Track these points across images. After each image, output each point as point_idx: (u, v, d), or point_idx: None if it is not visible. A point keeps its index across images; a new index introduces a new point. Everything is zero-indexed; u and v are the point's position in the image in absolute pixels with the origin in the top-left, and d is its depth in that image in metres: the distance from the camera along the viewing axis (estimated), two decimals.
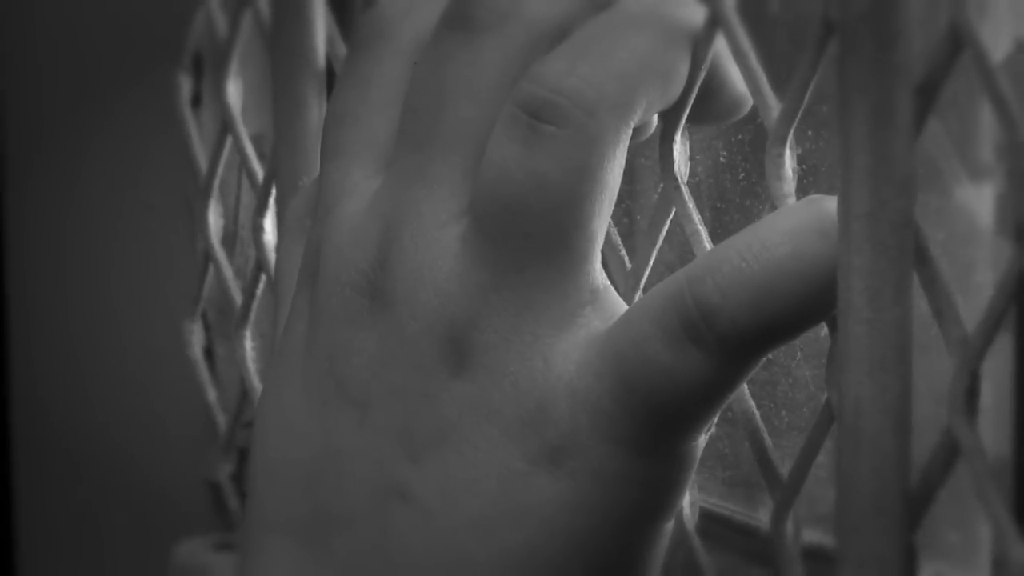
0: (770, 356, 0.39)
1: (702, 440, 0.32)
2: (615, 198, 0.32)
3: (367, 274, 0.33)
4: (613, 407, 0.31)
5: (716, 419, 0.32)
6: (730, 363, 0.30)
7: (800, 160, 0.36)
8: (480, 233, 0.32)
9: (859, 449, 0.29)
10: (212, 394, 0.50)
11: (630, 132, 0.32)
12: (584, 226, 0.32)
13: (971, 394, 0.28)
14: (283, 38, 0.42)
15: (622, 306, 0.32)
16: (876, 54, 0.28)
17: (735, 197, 0.38)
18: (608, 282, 0.32)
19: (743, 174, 0.37)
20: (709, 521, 0.42)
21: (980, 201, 0.35)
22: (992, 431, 0.34)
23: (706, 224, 0.39)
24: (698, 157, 0.39)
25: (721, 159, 0.38)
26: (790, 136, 0.31)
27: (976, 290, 0.34)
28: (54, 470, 0.66)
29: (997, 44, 0.34)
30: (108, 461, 0.64)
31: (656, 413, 0.31)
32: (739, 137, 0.37)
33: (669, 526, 0.32)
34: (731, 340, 0.30)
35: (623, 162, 0.32)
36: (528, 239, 0.32)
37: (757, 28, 0.40)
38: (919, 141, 0.29)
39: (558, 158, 0.31)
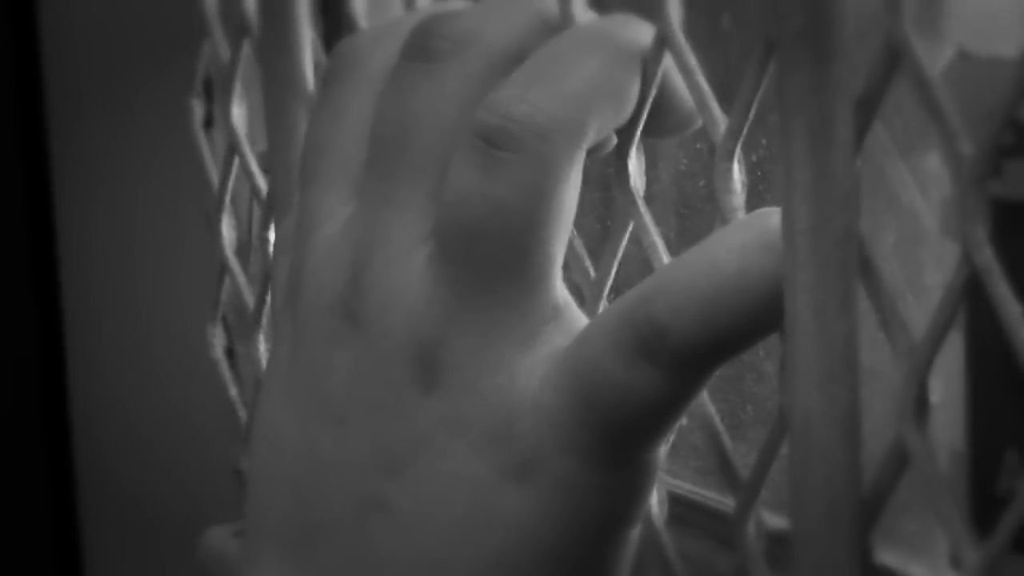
0: None
1: (663, 450, 0.28)
2: (572, 217, 0.29)
3: (342, 295, 0.30)
4: (573, 421, 0.28)
5: (677, 426, 0.29)
6: (683, 378, 0.27)
7: (755, 167, 0.33)
8: (444, 255, 0.29)
9: (810, 460, 0.25)
10: (233, 390, 0.47)
11: (583, 153, 0.29)
12: (542, 246, 0.28)
13: (920, 402, 0.25)
14: (273, 65, 0.39)
15: (583, 322, 0.29)
16: (813, 72, 0.25)
17: (697, 203, 0.34)
18: (570, 298, 0.29)
19: (703, 181, 0.34)
20: (684, 507, 0.39)
21: (926, 204, 0.31)
22: (946, 427, 0.31)
23: (672, 229, 0.35)
24: (661, 166, 0.35)
25: (682, 167, 0.35)
26: (737, 150, 0.28)
27: (925, 291, 0.31)
28: (109, 452, 0.64)
29: (938, 53, 0.30)
30: (155, 448, 0.61)
31: (614, 426, 0.27)
32: (699, 146, 0.34)
33: (635, 532, 0.29)
34: (683, 356, 0.27)
35: (579, 182, 0.29)
36: (488, 260, 0.28)
37: (711, 43, 0.37)
38: (860, 155, 0.25)
39: (513, 182, 0.28)
